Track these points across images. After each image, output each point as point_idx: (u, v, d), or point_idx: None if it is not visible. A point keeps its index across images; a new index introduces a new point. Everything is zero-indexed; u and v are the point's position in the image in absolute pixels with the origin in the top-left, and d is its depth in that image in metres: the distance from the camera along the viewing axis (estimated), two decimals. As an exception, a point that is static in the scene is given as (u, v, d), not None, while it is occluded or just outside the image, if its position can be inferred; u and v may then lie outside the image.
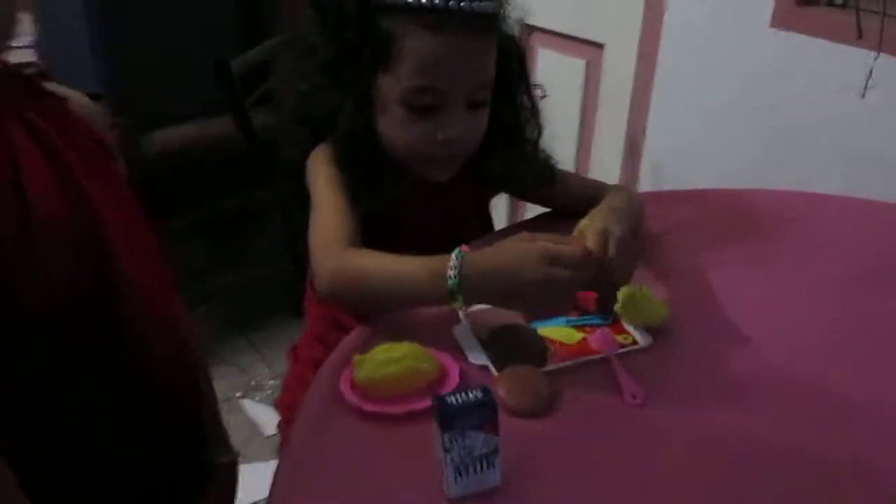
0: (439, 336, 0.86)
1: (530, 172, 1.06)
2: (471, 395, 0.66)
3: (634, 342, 0.87)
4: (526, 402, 0.77)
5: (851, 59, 1.25)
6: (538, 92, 1.06)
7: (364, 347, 0.83)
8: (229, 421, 1.96)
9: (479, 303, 0.84)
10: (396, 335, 0.85)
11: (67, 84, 0.81)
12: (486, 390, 0.67)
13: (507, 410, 0.75)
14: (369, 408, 0.77)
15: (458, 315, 0.88)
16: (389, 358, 0.79)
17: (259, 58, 1.23)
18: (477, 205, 1.15)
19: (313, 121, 1.00)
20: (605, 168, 1.76)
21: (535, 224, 1.13)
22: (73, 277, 0.68)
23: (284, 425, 1.17)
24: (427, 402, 0.75)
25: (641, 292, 0.89)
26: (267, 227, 2.16)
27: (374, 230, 1.01)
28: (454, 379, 0.79)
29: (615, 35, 1.71)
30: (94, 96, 1.72)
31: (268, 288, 2.33)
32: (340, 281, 0.86)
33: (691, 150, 1.56)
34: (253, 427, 1.98)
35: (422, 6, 0.88)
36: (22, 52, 1.90)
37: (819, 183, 1.30)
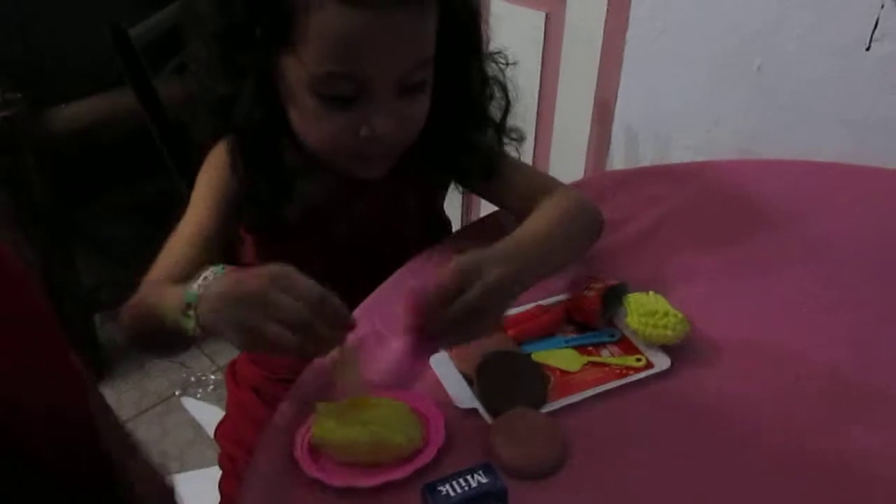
0: (412, 373, 0.70)
1: (468, 163, 0.86)
2: (472, 480, 0.50)
3: (649, 365, 0.72)
4: (531, 458, 0.62)
5: (854, 8, 1.11)
6: (499, 61, 0.86)
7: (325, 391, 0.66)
8: (168, 423, 1.82)
9: (209, 323, 0.62)
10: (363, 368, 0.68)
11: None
12: (489, 469, 0.51)
13: (508, 471, 0.60)
14: (333, 481, 0.60)
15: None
16: (358, 418, 0.63)
17: (165, 24, 1.02)
18: (425, 201, 0.96)
19: (216, 106, 0.79)
20: (571, 136, 1.60)
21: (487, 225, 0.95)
22: None
23: (225, 461, 1.00)
24: (406, 472, 0.59)
25: (656, 301, 0.74)
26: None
27: (295, 234, 0.85)
28: (437, 441, 0.63)
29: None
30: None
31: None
32: (125, 316, 0.72)
33: (669, 115, 1.41)
34: (196, 427, 1.82)
35: None
36: None
37: (817, 151, 1.17)
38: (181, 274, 0.70)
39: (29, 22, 1.69)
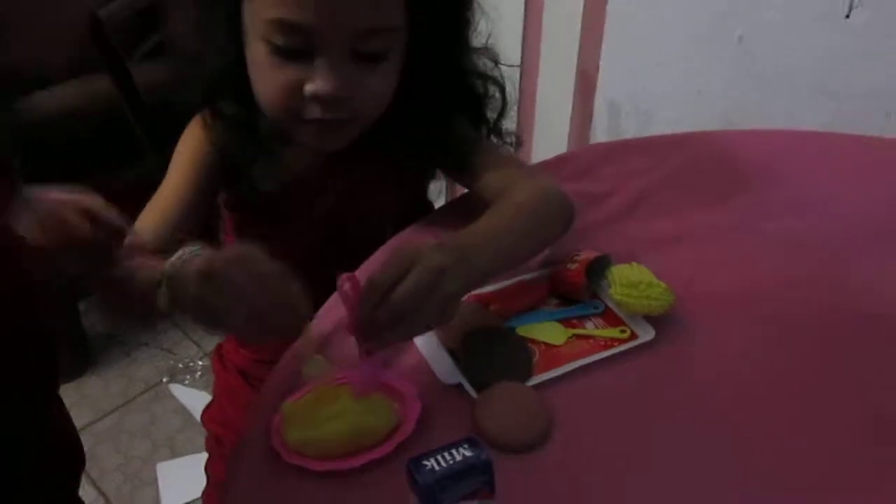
0: (394, 349, 0.70)
1: (440, 151, 0.84)
2: (456, 454, 0.50)
3: (633, 336, 0.72)
4: (516, 431, 0.62)
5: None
6: (489, 57, 0.83)
7: (294, 381, 0.65)
8: (157, 410, 1.81)
9: (179, 305, 0.61)
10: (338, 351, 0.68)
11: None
12: (473, 443, 0.51)
13: (495, 444, 0.60)
14: (315, 466, 0.60)
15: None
16: (328, 413, 0.62)
17: (135, 5, 1.00)
18: (406, 186, 0.93)
19: (201, 66, 0.78)
20: (553, 109, 1.59)
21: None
22: None
23: (212, 442, 1.00)
24: (387, 448, 0.59)
25: (640, 272, 0.74)
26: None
27: (274, 215, 0.84)
28: (414, 412, 0.63)
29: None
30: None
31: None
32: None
33: (651, 87, 1.41)
34: (185, 414, 1.81)
35: None
36: None
37: (799, 120, 1.17)
38: (156, 241, 0.69)
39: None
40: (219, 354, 1.03)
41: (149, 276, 0.62)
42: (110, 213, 0.61)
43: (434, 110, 0.82)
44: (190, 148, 0.81)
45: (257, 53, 0.72)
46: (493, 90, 0.86)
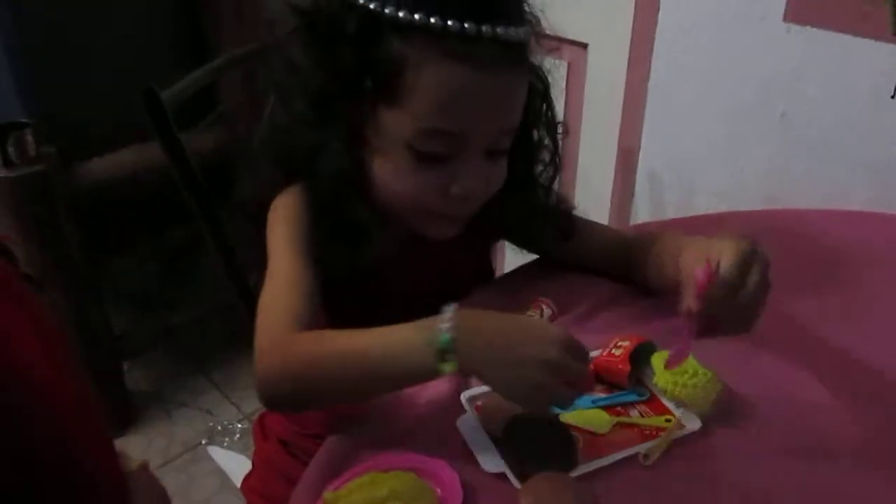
0: (438, 434, 0.70)
1: (547, 225, 0.89)
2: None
3: (679, 425, 0.71)
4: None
5: (880, 56, 1.11)
6: (560, 130, 0.88)
7: (338, 468, 0.65)
8: (195, 472, 1.81)
9: (473, 369, 0.64)
10: (382, 443, 0.69)
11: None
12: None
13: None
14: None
15: (462, 404, 0.72)
16: (372, 500, 0.61)
17: (196, 86, 1.05)
18: (479, 258, 0.98)
19: (288, 159, 0.80)
20: (594, 184, 1.60)
21: (535, 271, 0.96)
22: None
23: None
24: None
25: (685, 360, 0.73)
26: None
27: (353, 288, 0.84)
28: (456, 501, 0.63)
29: (601, 34, 1.55)
30: (19, 125, 1.54)
31: (227, 321, 2.13)
32: (281, 380, 0.67)
33: (693, 163, 1.41)
34: (222, 477, 1.81)
35: (447, 29, 0.67)
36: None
37: (842, 198, 1.16)
38: (304, 319, 0.70)
39: (63, 78, 1.75)
40: (260, 424, 1.04)
41: (410, 348, 0.64)
42: None
43: (521, 187, 0.86)
44: (294, 226, 0.79)
45: (398, 158, 0.74)
46: (546, 156, 0.89)
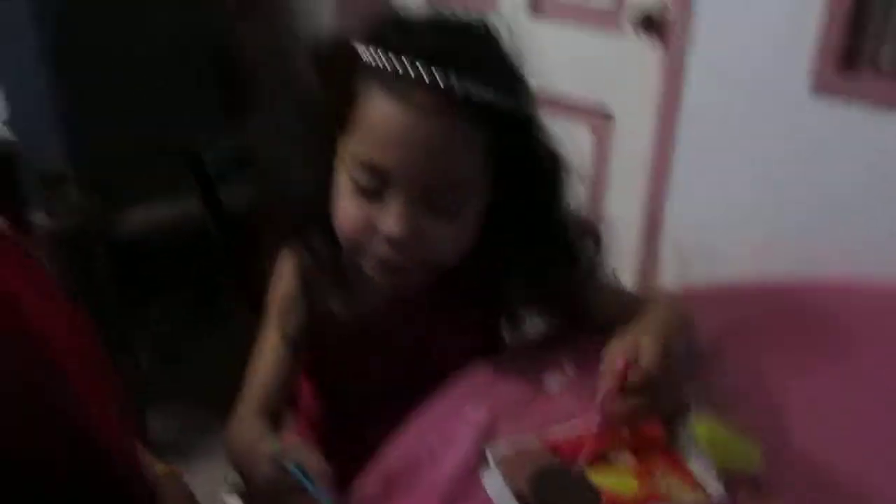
0: (461, 494, 0.70)
1: (557, 308, 0.91)
2: None
3: (708, 498, 0.70)
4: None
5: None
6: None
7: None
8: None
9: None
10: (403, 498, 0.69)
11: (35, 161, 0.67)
12: None
13: None
14: None
15: (486, 458, 0.72)
16: None
17: (237, 148, 1.10)
18: (488, 331, 0.96)
19: (296, 195, 0.86)
20: (620, 250, 1.61)
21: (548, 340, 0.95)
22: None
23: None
24: None
25: (722, 427, 0.73)
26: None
27: (350, 350, 0.89)
28: None
29: (627, 107, 1.59)
30: (60, 177, 1.60)
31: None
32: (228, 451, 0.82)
33: (720, 234, 1.43)
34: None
35: (393, 69, 0.72)
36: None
37: (876, 267, 1.16)
38: (269, 405, 0.84)
39: (105, 130, 1.82)
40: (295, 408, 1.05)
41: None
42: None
43: (515, 261, 0.84)
44: (279, 288, 0.88)
45: (343, 185, 0.78)
46: (587, 240, 0.88)
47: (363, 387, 0.92)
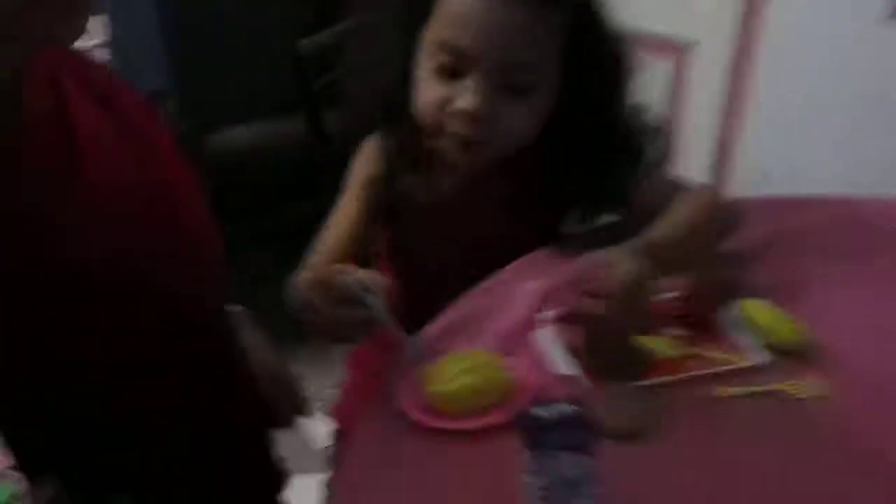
0: (515, 344, 0.76)
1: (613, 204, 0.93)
2: (562, 408, 0.54)
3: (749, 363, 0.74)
4: (626, 423, 0.65)
5: None
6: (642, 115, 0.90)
7: (427, 358, 0.72)
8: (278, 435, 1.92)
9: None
10: (464, 342, 0.75)
11: (135, 82, 0.75)
12: (579, 403, 0.55)
13: (604, 432, 0.63)
14: (440, 424, 0.66)
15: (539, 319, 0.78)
16: (461, 369, 0.69)
17: (330, 41, 1.16)
18: (551, 224, 0.98)
19: (375, 87, 0.92)
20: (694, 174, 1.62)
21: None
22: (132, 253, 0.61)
23: (339, 435, 1.08)
24: (505, 416, 0.65)
25: (773, 309, 0.77)
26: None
27: (418, 227, 0.95)
28: (534, 391, 0.68)
29: (707, 33, 1.58)
30: (160, 94, 1.70)
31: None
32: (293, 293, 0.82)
33: (796, 158, 1.41)
34: (303, 441, 1.90)
35: None
36: (96, 50, 1.91)
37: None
38: (340, 253, 0.88)
39: (192, 53, 1.91)
40: (353, 359, 1.13)
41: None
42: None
43: (583, 155, 0.89)
44: (361, 166, 0.94)
45: (422, 70, 0.83)
46: (654, 143, 0.91)
47: (435, 268, 0.97)
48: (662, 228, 0.80)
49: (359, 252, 0.91)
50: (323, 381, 2.06)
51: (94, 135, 0.60)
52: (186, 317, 0.67)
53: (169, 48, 1.86)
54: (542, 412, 0.54)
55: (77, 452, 0.65)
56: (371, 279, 0.71)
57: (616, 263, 0.72)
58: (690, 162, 1.62)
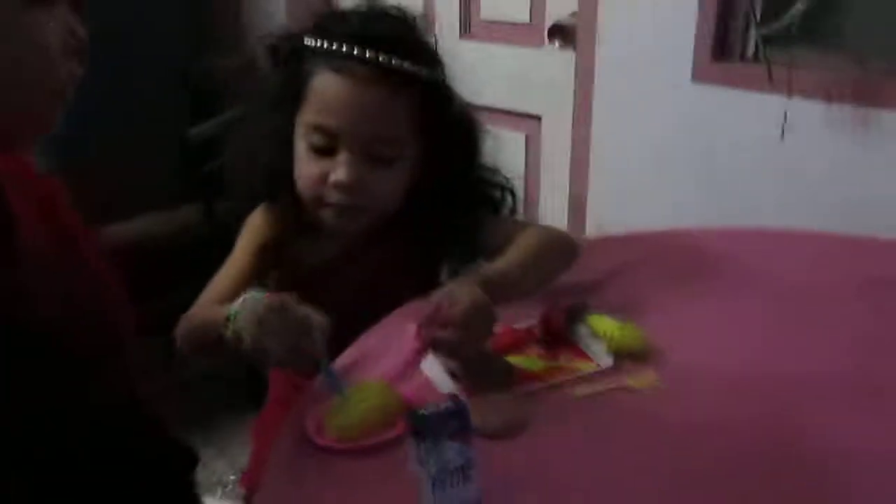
0: (404, 374, 0.88)
1: (452, 246, 1.07)
2: (442, 406, 0.67)
3: (599, 366, 0.89)
4: (500, 424, 0.78)
5: (768, 106, 1.36)
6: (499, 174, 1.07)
7: (339, 389, 0.83)
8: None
9: (238, 336, 0.82)
10: (360, 376, 0.87)
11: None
12: (456, 399, 0.68)
13: (483, 434, 0.76)
14: (342, 445, 0.76)
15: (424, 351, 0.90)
16: (358, 399, 0.81)
17: (215, 129, 1.28)
18: (421, 275, 1.10)
19: (253, 178, 1.03)
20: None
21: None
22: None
23: (249, 498, 1.14)
24: (398, 431, 0.76)
25: (611, 321, 0.92)
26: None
27: (307, 287, 1.02)
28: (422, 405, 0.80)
29: (551, 107, 1.82)
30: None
31: (226, 382, 2.27)
32: (180, 328, 0.94)
33: (633, 204, 1.64)
34: (211, 527, 1.90)
35: (333, 51, 0.93)
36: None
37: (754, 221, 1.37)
38: (221, 302, 0.92)
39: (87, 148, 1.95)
40: (260, 426, 1.20)
41: (218, 317, 0.84)
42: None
43: (444, 210, 1.04)
44: (250, 232, 1.05)
45: (300, 150, 0.97)
46: (506, 195, 1.09)
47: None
48: (499, 262, 0.96)
49: None
50: (227, 467, 2.08)
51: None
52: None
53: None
54: (426, 410, 0.66)
55: None
56: (317, 317, 0.80)
57: (456, 296, 0.84)
58: (549, 218, 1.83)
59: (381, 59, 0.92)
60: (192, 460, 0.91)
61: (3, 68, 0.55)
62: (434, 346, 0.86)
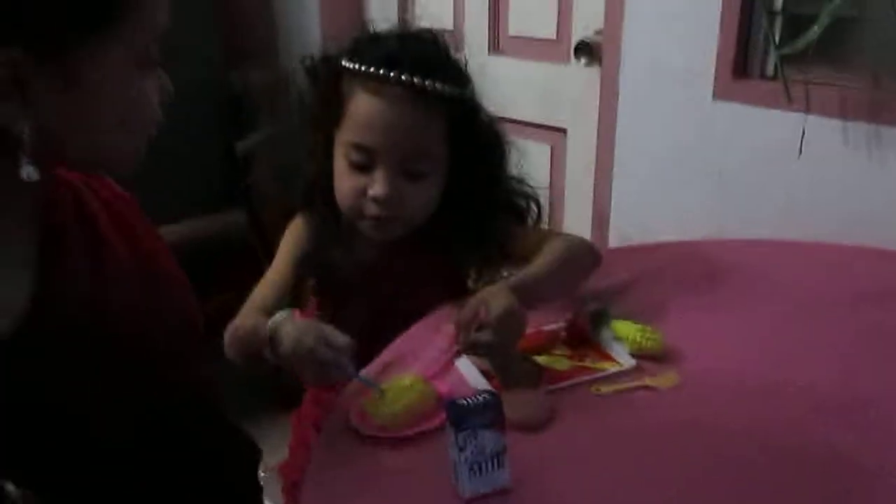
0: (440, 372, 0.96)
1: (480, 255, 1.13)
2: (479, 397, 0.74)
3: (621, 366, 0.96)
4: (528, 416, 0.85)
5: (786, 123, 1.42)
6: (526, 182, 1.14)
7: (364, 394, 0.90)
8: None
9: (283, 355, 0.91)
10: (399, 373, 0.94)
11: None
12: (491, 393, 0.75)
13: (512, 425, 0.82)
14: (387, 434, 0.84)
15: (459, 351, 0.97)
16: (397, 392, 0.88)
17: (260, 142, 1.36)
18: (450, 281, 1.17)
19: (300, 176, 1.12)
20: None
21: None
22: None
23: (290, 487, 1.21)
24: (435, 423, 0.83)
25: (634, 324, 0.99)
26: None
27: (341, 293, 1.14)
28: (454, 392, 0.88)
29: (576, 121, 1.88)
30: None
31: (257, 384, 2.35)
32: (227, 337, 1.03)
33: (654, 215, 1.70)
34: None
35: (369, 73, 1.00)
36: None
37: (764, 231, 1.43)
38: (265, 309, 1.02)
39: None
40: (297, 414, 1.27)
41: (261, 332, 0.94)
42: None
43: (472, 220, 1.10)
44: (291, 240, 1.14)
45: (339, 166, 1.05)
46: (532, 205, 1.15)
47: (359, 325, 1.16)
48: (528, 270, 1.03)
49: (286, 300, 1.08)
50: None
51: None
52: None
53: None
54: (464, 401, 0.73)
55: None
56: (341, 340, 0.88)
57: (490, 300, 0.92)
58: (573, 227, 1.89)
59: (414, 81, 0.99)
60: (257, 453, 0.99)
61: (126, 119, 0.69)
62: (471, 346, 0.93)
